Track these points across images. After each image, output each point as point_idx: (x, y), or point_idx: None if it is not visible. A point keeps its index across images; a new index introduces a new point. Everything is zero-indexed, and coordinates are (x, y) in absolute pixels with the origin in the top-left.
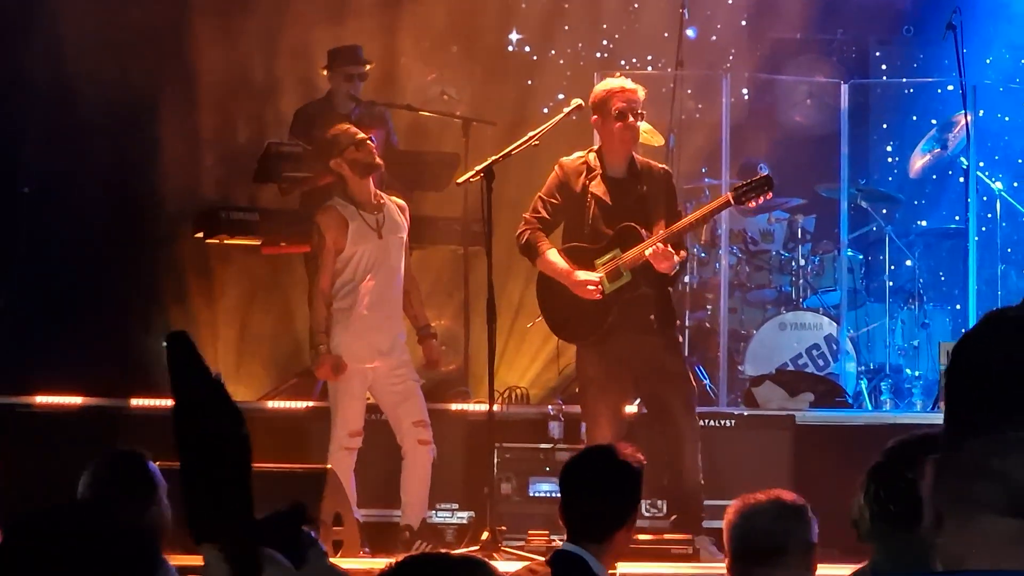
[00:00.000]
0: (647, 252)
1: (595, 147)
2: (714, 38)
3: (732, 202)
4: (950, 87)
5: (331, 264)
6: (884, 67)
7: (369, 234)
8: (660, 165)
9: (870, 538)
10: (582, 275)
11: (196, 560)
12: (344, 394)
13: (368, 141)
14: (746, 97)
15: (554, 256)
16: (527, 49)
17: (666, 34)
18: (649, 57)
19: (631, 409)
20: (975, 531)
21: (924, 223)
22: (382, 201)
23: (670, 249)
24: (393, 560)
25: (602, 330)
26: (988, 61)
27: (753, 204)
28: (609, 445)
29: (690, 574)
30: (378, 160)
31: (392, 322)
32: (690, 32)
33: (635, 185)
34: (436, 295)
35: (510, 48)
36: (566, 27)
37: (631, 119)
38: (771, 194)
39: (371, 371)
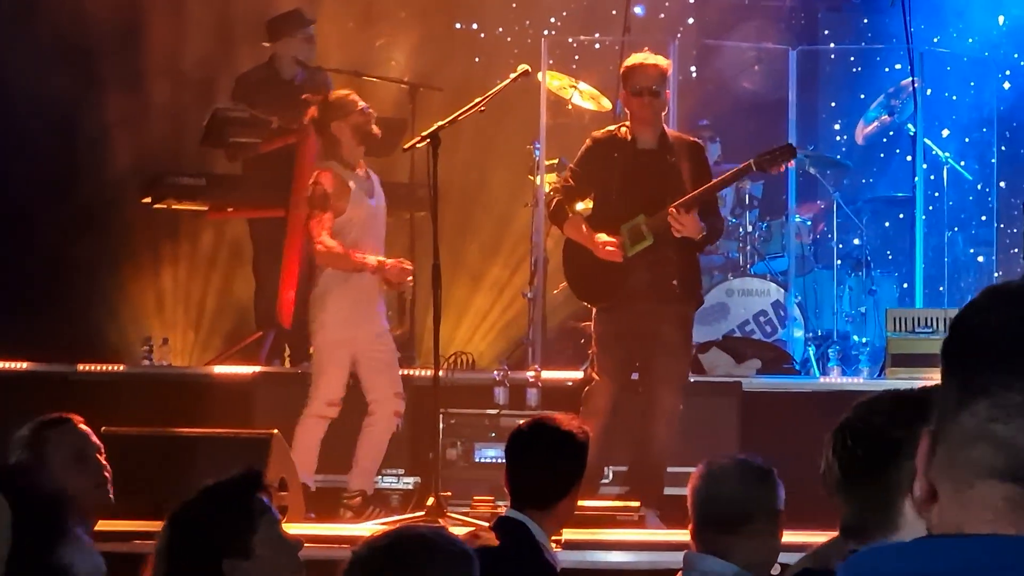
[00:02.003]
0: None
1: (627, 122)
2: (662, 16)
3: (754, 169)
4: (898, 66)
5: (330, 224)
6: (832, 43)
7: (364, 200)
8: (692, 138)
9: (838, 490)
10: (603, 237)
11: (134, 526)
12: (330, 362)
13: (370, 111)
14: (693, 71)
15: (578, 221)
16: (475, 27)
17: (614, 12)
18: (597, 35)
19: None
20: (973, 497)
21: (872, 192)
22: (368, 169)
23: (694, 215)
24: (380, 525)
25: (623, 292)
26: (936, 40)
27: (775, 171)
28: (555, 415)
29: (636, 540)
30: (377, 131)
31: (377, 290)
32: (638, 9)
33: (663, 156)
34: None
35: (457, 26)
36: (513, 4)
37: (647, 97)
38: (793, 162)
39: (355, 340)
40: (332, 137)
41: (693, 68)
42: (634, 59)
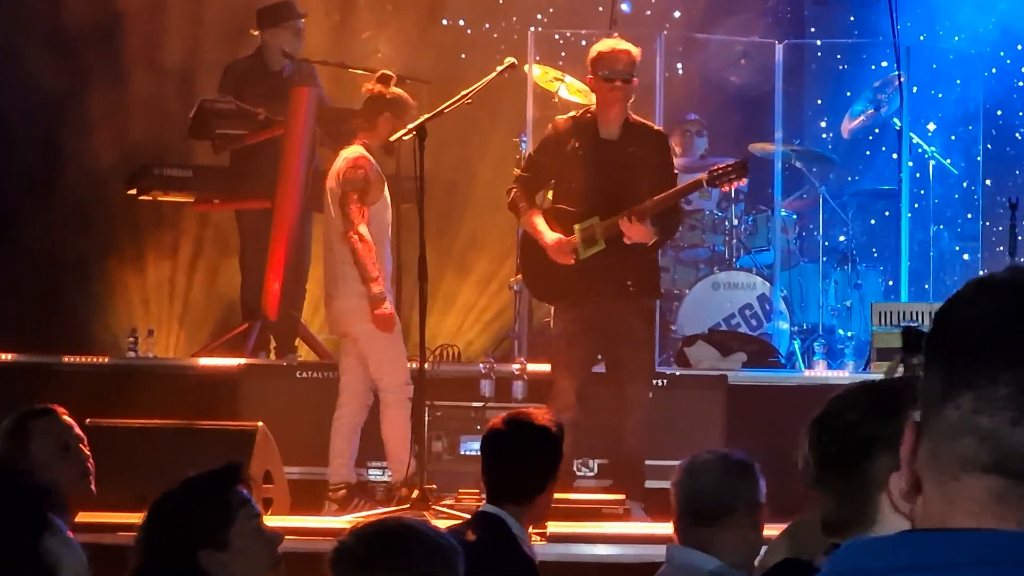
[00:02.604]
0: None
1: (592, 107)
2: (648, 13)
3: (705, 185)
4: (884, 63)
5: (367, 216)
6: (816, 38)
7: (387, 194)
8: (656, 127)
9: (816, 485)
10: (557, 239)
11: (118, 518)
12: (399, 346)
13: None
14: (679, 68)
15: (534, 217)
16: (461, 22)
17: (600, 8)
18: (583, 32)
19: (597, 369)
20: (958, 490)
21: (858, 186)
22: None
23: (646, 224)
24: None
25: (574, 294)
26: (922, 37)
27: (726, 188)
28: (529, 410)
29: (621, 534)
30: (394, 151)
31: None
32: (624, 6)
33: (624, 148)
34: None
35: (444, 22)
36: (500, 0)
37: (618, 82)
38: (745, 180)
39: None
40: (372, 124)
41: (679, 65)
42: (604, 44)
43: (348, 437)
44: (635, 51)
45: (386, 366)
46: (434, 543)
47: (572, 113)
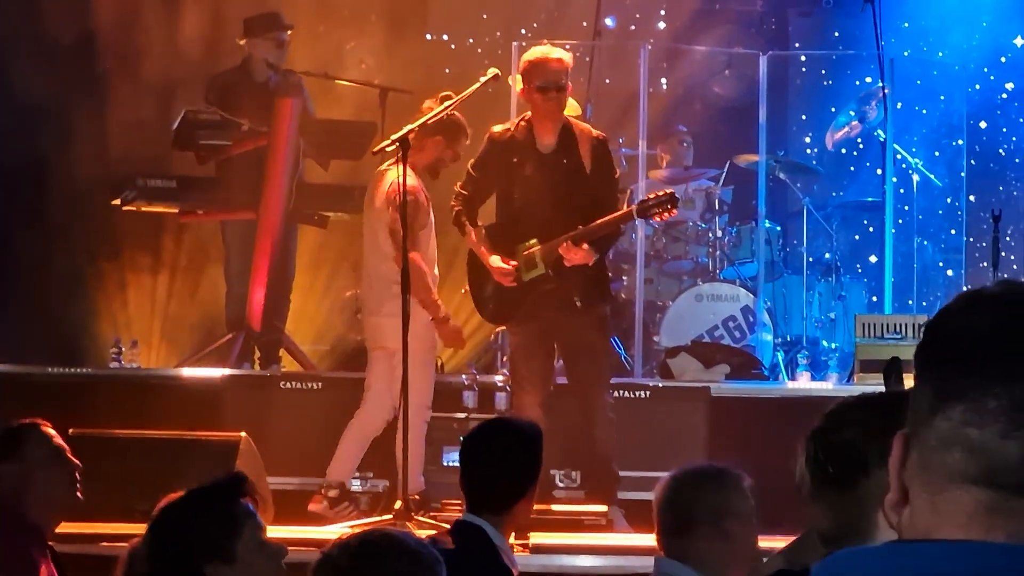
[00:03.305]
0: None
1: (527, 115)
2: (633, 27)
3: (635, 216)
4: (868, 79)
5: (418, 239)
6: (800, 50)
7: (432, 215)
8: (595, 133)
9: (813, 500)
10: (498, 262)
11: (101, 528)
12: (429, 367)
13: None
14: (664, 83)
15: (477, 236)
16: (445, 37)
17: (584, 23)
18: (568, 45)
19: (559, 380)
20: (947, 502)
21: (841, 193)
22: None
23: (585, 247)
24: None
25: (518, 315)
26: (906, 53)
27: (657, 219)
28: (507, 417)
29: (604, 545)
30: (438, 174)
31: None
32: (609, 21)
33: (561, 159)
34: (349, 264)
35: (428, 37)
36: (484, 15)
37: (553, 92)
38: (675, 211)
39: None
40: (421, 145)
41: (664, 80)
42: (536, 53)
43: (361, 443)
44: (567, 57)
45: (414, 386)
46: (416, 553)
47: (507, 125)
